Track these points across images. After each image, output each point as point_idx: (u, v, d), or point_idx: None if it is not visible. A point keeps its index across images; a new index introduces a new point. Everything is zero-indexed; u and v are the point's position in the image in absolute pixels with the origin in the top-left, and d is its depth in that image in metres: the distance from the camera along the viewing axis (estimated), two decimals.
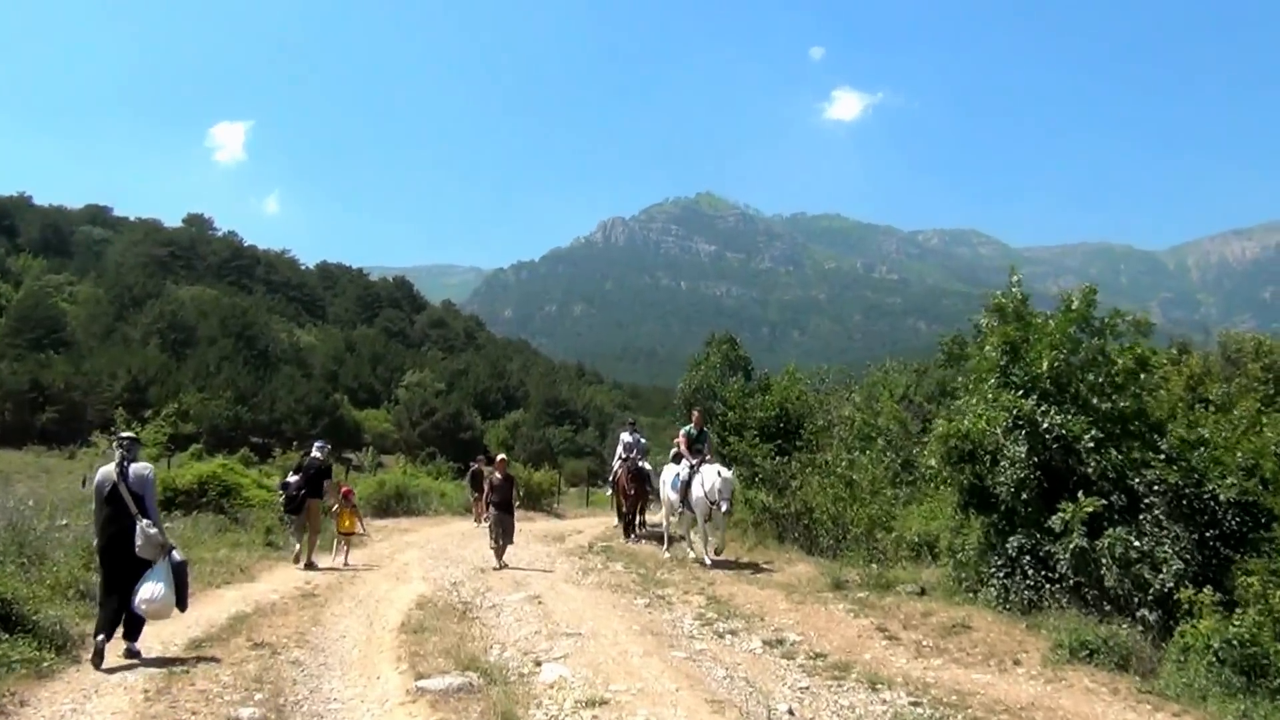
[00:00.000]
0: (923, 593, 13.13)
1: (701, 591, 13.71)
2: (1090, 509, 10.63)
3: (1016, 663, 9.25)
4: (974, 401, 12.44)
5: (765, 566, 16.01)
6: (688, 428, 17.93)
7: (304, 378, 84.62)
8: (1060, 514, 10.77)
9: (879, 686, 8.53)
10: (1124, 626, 9.83)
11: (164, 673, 8.39)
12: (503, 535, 16.52)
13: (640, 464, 20.72)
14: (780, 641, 10.30)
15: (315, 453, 17.17)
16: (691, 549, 17.29)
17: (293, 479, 16.85)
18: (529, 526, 25.65)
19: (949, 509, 14.58)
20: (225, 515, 19.36)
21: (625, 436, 21.89)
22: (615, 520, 24.46)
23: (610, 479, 21.14)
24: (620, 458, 21.24)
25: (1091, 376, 11.77)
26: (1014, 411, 11.50)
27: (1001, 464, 11.52)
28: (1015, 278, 13.27)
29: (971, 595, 12.34)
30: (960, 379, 14.53)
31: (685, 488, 16.54)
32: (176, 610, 9.24)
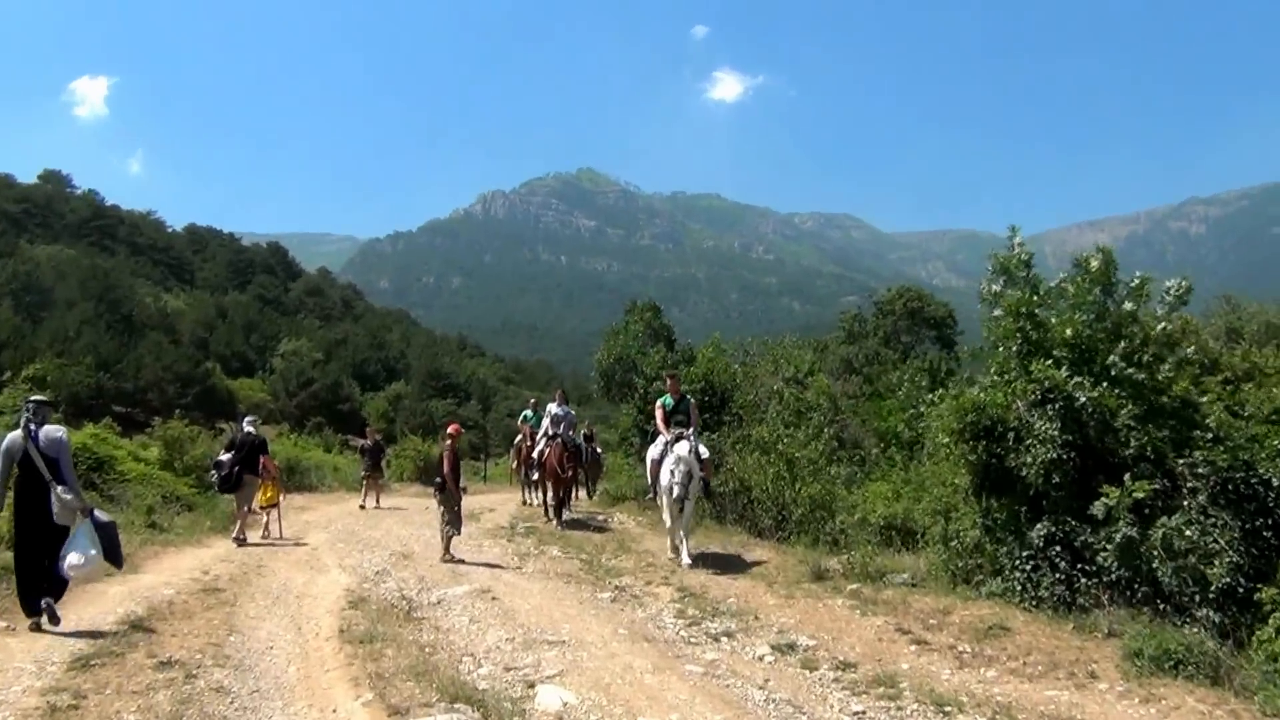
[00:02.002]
0: (914, 584, 11.80)
1: (666, 581, 12.14)
2: (1141, 494, 9.27)
3: (1092, 676, 7.81)
4: (991, 371, 10.98)
5: (720, 552, 14.52)
6: (663, 398, 15.20)
7: (172, 344, 79.87)
8: (1104, 499, 9.37)
9: (947, 709, 7.01)
10: (1191, 630, 8.51)
11: (43, 707, 6.34)
12: (450, 521, 14.07)
13: (575, 440, 18.82)
14: (791, 646, 8.74)
15: (247, 427, 16.62)
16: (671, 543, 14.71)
17: (225, 457, 16.09)
18: (431, 503, 23.72)
19: (939, 490, 13.24)
20: (99, 493, 16.84)
21: (553, 408, 19.55)
22: (525, 497, 22.57)
23: (537, 457, 18.71)
24: (547, 432, 18.95)
25: (1124, 344, 10.33)
26: (1045, 383, 10.05)
27: (1027, 442, 10.11)
28: (1018, 239, 11.73)
29: (974, 589, 11.02)
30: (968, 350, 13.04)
31: (656, 468, 14.29)
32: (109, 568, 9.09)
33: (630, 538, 16.59)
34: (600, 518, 19.52)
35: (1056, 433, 9.80)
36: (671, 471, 13.30)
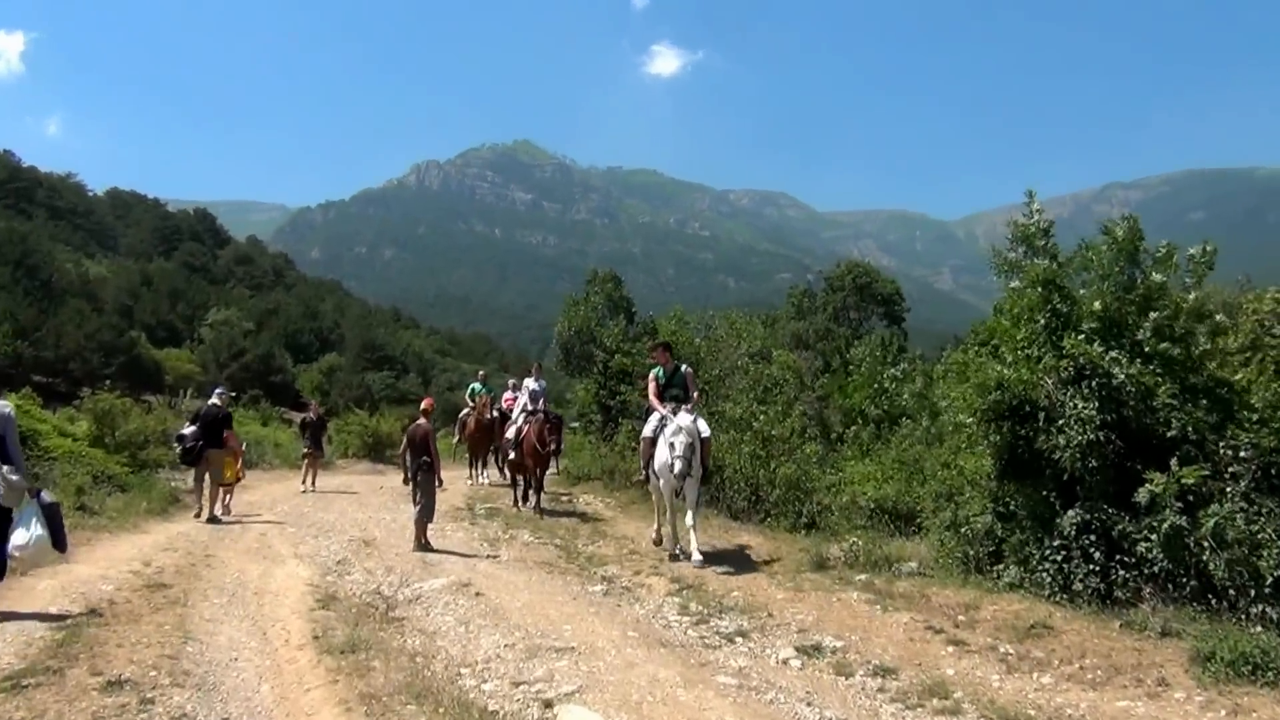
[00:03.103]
0: (923, 573, 11.01)
1: (656, 572, 11.25)
2: (1191, 479, 8.50)
3: (1163, 684, 7.00)
4: (1020, 344, 10.11)
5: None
6: (655, 369, 13.34)
7: (95, 312, 76.92)
8: (1149, 485, 8.57)
9: None
10: (1259, 631, 7.77)
11: None
12: (425, 507, 12.82)
13: (557, 415, 17.69)
14: (817, 648, 7.87)
15: (215, 399, 16.09)
16: (657, 532, 13.34)
17: (188, 430, 15.55)
18: (384, 482, 22.56)
19: (944, 473, 12.46)
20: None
21: (530, 383, 18.51)
22: (472, 475, 21.34)
23: (515, 435, 17.15)
24: (526, 409, 17.66)
25: (1155, 316, 9.50)
26: (1079, 359, 9.22)
27: (1059, 423, 9.28)
28: (1035, 204, 10.82)
29: (989, 579, 10.24)
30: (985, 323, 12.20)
31: (650, 447, 12.55)
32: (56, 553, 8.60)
33: (603, 521, 15.73)
34: (564, 498, 18.55)
35: (1094, 413, 8.99)
36: (671, 444, 11.56)
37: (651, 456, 12.40)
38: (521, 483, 17.18)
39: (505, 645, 7.57)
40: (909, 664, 7.53)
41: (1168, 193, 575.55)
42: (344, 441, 31.21)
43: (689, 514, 12.04)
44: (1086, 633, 8.08)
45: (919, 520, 13.98)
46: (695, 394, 13.26)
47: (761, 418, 17.75)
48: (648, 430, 12.81)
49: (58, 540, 8.55)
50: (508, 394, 21.13)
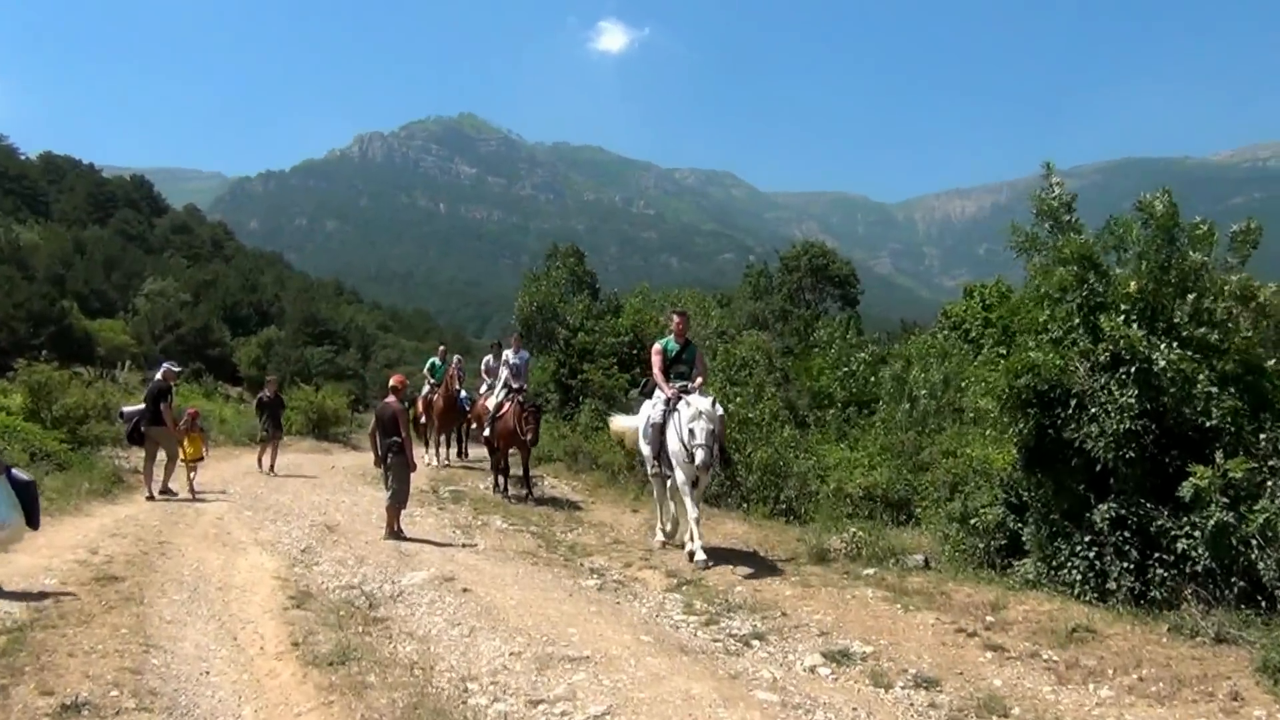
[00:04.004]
0: (927, 565, 10.42)
1: (647, 564, 10.55)
2: (1239, 472, 7.91)
3: (1236, 698, 6.38)
4: (1045, 326, 9.43)
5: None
6: (664, 340, 11.71)
7: (25, 280, 74.20)
8: (1193, 479, 7.95)
9: None
10: None
11: None
12: (398, 493, 11.88)
13: (536, 397, 16.62)
14: (846, 655, 7.19)
15: (160, 374, 15.51)
16: (661, 531, 11.98)
17: (128, 409, 15.34)
18: (332, 460, 21.65)
19: (949, 461, 11.85)
20: None
21: (510, 355, 16.63)
22: (434, 456, 20.30)
23: (493, 411, 15.93)
24: (506, 385, 16.24)
25: (1192, 298, 8.91)
26: (1119, 343, 8.60)
27: (1092, 411, 8.65)
28: (1055, 177, 10.10)
29: (999, 573, 9.67)
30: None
31: (659, 434, 11.05)
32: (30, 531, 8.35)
33: (576, 507, 14.95)
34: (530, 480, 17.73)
35: (1133, 401, 8.37)
36: (691, 430, 10.16)
37: (662, 445, 10.99)
38: (498, 467, 16.42)
39: (510, 653, 6.77)
40: (949, 673, 6.88)
41: (1101, 181, 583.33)
42: (287, 418, 30.14)
43: (693, 508, 10.70)
44: (1134, 638, 7.47)
45: (912, 509, 13.45)
46: (702, 378, 11.68)
47: (737, 399, 17.16)
48: (654, 414, 11.25)
49: (34, 518, 8.31)
50: (452, 368, 20.01)
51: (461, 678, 6.21)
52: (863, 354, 24.33)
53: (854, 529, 11.09)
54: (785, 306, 46.56)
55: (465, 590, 8.67)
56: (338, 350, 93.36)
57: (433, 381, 19.96)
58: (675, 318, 11.81)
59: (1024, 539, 9.61)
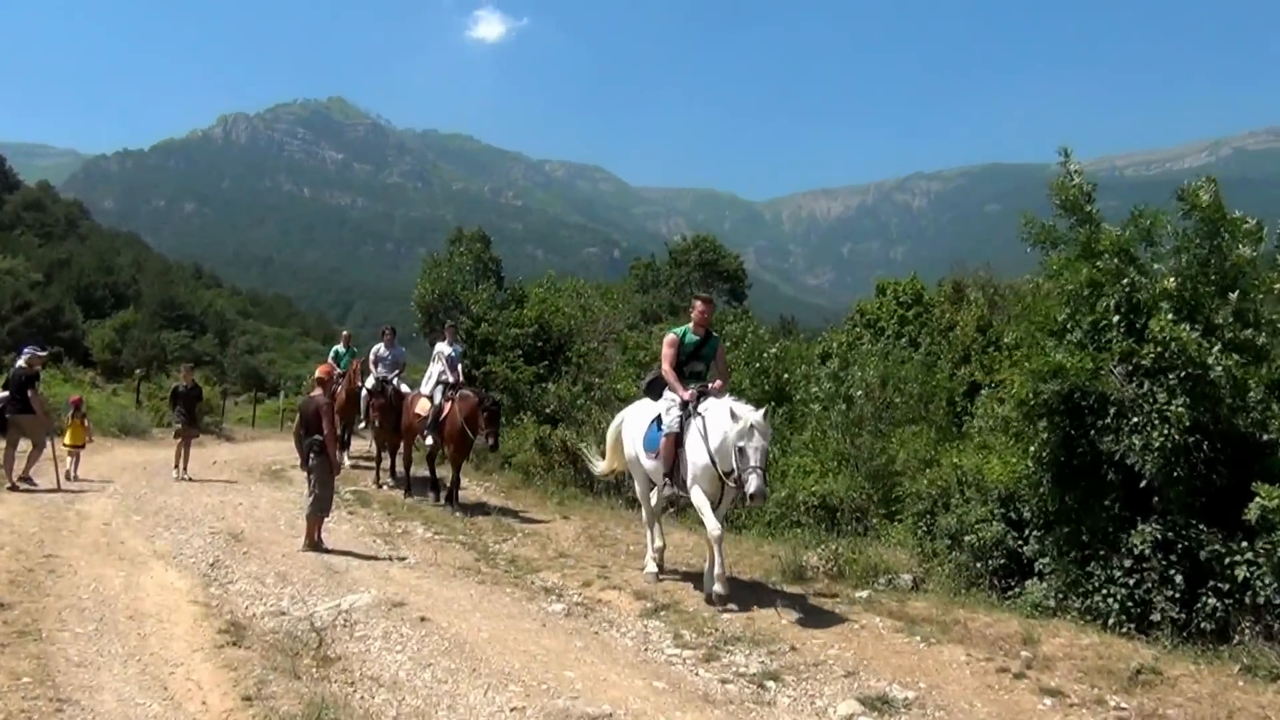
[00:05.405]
0: (916, 586, 9.58)
1: (608, 582, 9.39)
2: None
3: None
4: (1072, 327, 8.56)
5: (621, 535, 12.20)
6: (681, 329, 9.52)
7: None
8: (1259, 499, 7.08)
9: None
10: None
11: None
12: (320, 497, 10.34)
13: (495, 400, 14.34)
14: (885, 701, 6.20)
15: (22, 360, 14.14)
16: (655, 560, 9.79)
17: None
18: (211, 455, 19.85)
19: (932, 473, 10.97)
20: None
21: (444, 348, 14.88)
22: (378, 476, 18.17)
23: (434, 414, 14.09)
24: (445, 380, 14.48)
25: (1235, 298, 8.10)
26: (1169, 345, 7.76)
27: (1134, 420, 7.83)
28: (1073, 166, 9.22)
29: (999, 595, 8.89)
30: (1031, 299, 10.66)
31: (674, 445, 8.90)
32: None
33: (501, 512, 13.68)
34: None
35: (1184, 410, 7.58)
36: (742, 449, 8.02)
37: (676, 461, 8.90)
38: (446, 474, 14.76)
39: (511, 708, 5.53)
40: None
41: (966, 184, 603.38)
42: (155, 408, 28.14)
43: (718, 531, 8.58)
44: (1206, 681, 6.57)
45: (869, 519, 12.64)
46: (723, 380, 9.46)
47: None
48: (668, 420, 9.02)
49: None
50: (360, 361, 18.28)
51: None
52: (773, 349, 23.60)
53: (835, 545, 10.13)
54: (674, 301, 45.89)
55: (423, 619, 7.35)
56: (195, 335, 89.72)
57: (338, 371, 18.31)
58: (698, 304, 9.56)
59: (1029, 558, 8.83)
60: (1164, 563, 7.63)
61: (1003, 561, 9.19)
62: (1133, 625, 7.67)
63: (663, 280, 48.65)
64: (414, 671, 6.18)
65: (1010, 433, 9.38)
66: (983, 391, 11.95)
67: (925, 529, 10.29)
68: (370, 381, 16.40)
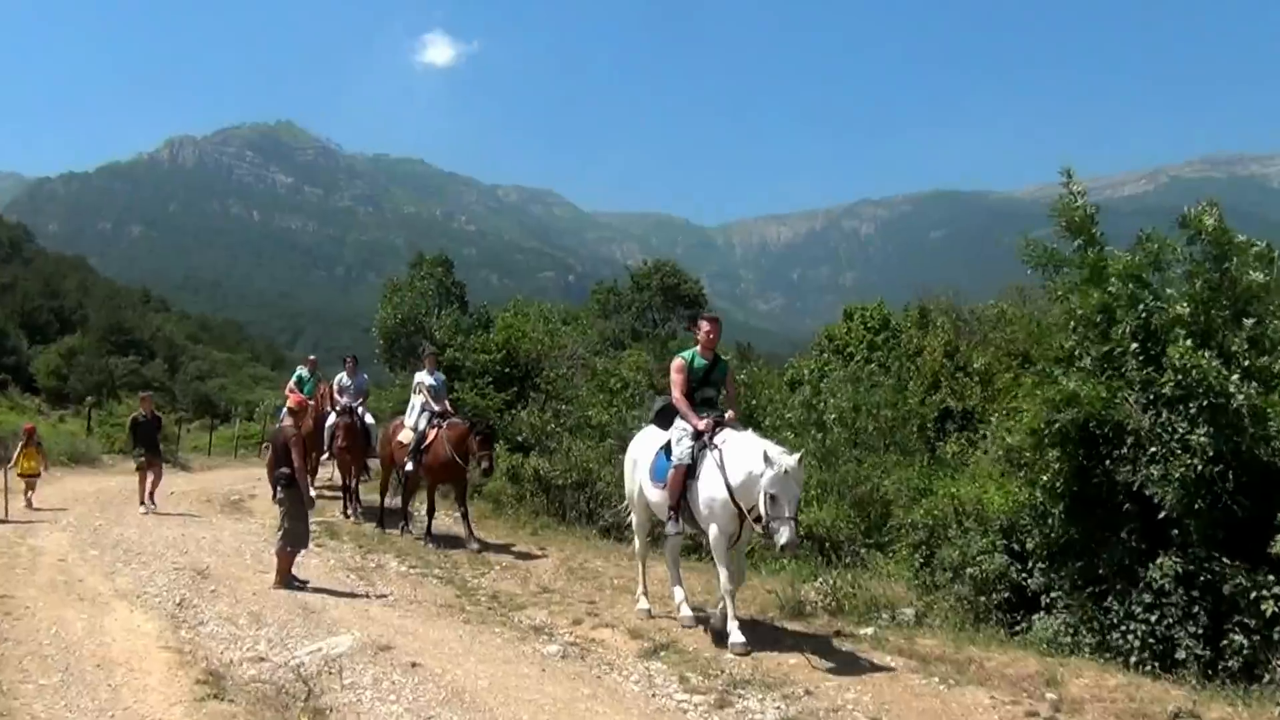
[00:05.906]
0: (918, 621, 9.26)
1: (597, 619, 8.98)
2: None
3: None
4: (1080, 354, 8.32)
5: (601, 567, 11.73)
6: (689, 352, 8.96)
7: None
8: None
9: None
10: None
11: None
12: (292, 531, 9.89)
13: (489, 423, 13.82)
14: None
15: None
16: (645, 596, 9.47)
17: None
18: (168, 484, 19.00)
19: (929, 502, 10.67)
20: None
21: (425, 377, 14.17)
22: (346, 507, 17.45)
23: (417, 443, 13.46)
24: (429, 409, 13.79)
25: (1249, 324, 7.89)
26: (1190, 373, 7.50)
27: (1152, 450, 7.58)
28: (1077, 186, 9.02)
29: (1004, 630, 8.61)
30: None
31: (683, 477, 8.33)
32: None
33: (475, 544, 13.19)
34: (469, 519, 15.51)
35: (1206, 441, 7.35)
36: (773, 496, 7.41)
37: (683, 495, 8.33)
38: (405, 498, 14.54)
39: None
40: None
41: (910, 211, 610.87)
42: (107, 435, 27.40)
43: (728, 573, 8.14)
44: None
45: (855, 549, 12.33)
46: (734, 402, 9.34)
47: (632, 423, 16.02)
48: (679, 452, 8.39)
49: None
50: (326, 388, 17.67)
51: None
52: (742, 376, 23.42)
53: (833, 579, 9.79)
54: (635, 326, 45.62)
55: (414, 665, 6.91)
56: (143, 360, 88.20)
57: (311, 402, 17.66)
58: (704, 324, 9.12)
59: (1034, 592, 8.58)
60: (1186, 598, 7.37)
61: (1006, 595, 8.93)
62: (1156, 664, 7.38)
63: (625, 305, 48.42)
64: None
65: (1017, 463, 9.07)
66: (993, 420, 11.61)
67: (923, 560, 10.01)
68: (332, 417, 15.95)
